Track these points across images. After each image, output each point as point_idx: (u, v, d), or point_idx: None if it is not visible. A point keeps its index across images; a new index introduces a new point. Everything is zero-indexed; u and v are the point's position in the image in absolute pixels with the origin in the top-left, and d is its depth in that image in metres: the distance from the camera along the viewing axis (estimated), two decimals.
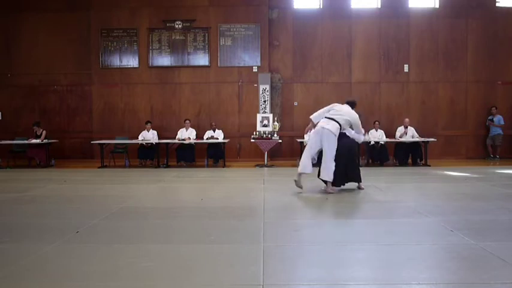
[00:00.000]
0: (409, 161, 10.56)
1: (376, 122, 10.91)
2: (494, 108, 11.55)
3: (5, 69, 11.96)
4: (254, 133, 10.63)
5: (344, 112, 6.34)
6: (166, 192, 7.16)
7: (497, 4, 11.86)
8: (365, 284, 2.93)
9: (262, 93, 11.37)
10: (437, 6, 11.84)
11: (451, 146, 11.87)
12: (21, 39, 11.94)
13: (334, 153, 6.20)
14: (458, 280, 2.95)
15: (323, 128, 6.20)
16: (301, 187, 6.31)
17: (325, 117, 6.32)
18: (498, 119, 11.46)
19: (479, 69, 11.84)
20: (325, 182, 6.33)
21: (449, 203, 5.58)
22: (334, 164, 6.18)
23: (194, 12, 11.69)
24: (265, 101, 11.35)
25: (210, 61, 11.69)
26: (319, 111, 6.46)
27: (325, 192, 6.25)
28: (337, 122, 6.24)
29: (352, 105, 6.55)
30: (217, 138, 10.62)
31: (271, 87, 11.58)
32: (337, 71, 11.86)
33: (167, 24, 11.69)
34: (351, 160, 6.44)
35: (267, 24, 11.65)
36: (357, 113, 6.54)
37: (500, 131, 11.38)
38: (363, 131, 6.82)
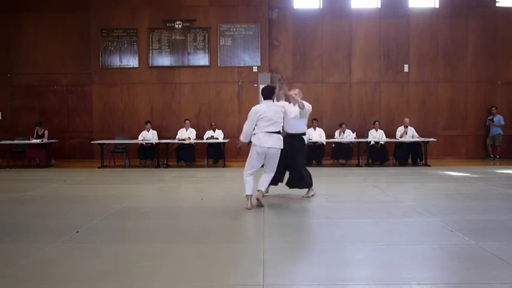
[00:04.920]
0: (409, 161, 10.56)
1: (376, 122, 10.90)
2: (494, 108, 11.55)
3: (5, 69, 11.96)
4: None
5: (275, 117, 5.38)
6: (166, 192, 7.15)
7: (497, 4, 11.86)
8: (365, 284, 2.93)
9: None
10: (437, 6, 11.84)
11: (451, 146, 11.87)
12: (21, 39, 11.95)
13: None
14: (458, 280, 2.95)
15: (271, 147, 5.35)
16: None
17: (264, 132, 5.36)
18: (498, 119, 11.46)
19: (479, 69, 11.84)
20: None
21: (449, 203, 5.58)
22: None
23: (194, 12, 11.68)
24: None
25: (210, 61, 11.68)
26: (246, 128, 5.45)
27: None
28: (279, 132, 5.49)
29: (271, 95, 5.49)
30: (217, 138, 10.61)
31: None
32: (337, 71, 11.86)
33: (167, 24, 11.69)
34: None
35: (267, 24, 11.65)
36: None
37: (500, 131, 11.38)
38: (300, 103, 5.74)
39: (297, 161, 5.94)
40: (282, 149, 5.45)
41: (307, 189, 6.08)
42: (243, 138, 5.50)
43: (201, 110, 11.79)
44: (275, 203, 5.78)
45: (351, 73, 11.87)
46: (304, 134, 6.09)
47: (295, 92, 5.90)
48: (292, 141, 5.85)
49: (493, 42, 11.82)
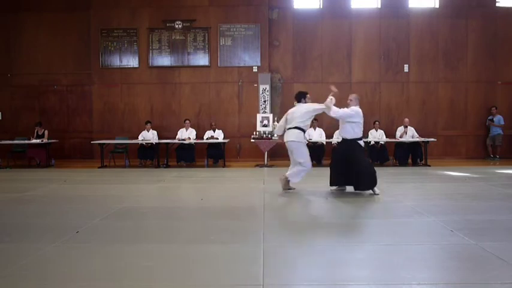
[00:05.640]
0: (409, 161, 10.56)
1: (376, 122, 10.91)
2: (494, 108, 11.55)
3: (5, 69, 11.97)
4: (254, 133, 10.63)
5: (297, 115, 6.29)
6: (166, 192, 7.15)
7: (497, 4, 11.86)
8: (365, 284, 2.93)
9: (262, 93, 11.37)
10: (437, 6, 11.84)
11: (451, 146, 11.87)
12: (21, 39, 11.95)
13: (307, 157, 6.30)
14: (458, 280, 2.95)
15: (287, 141, 6.33)
16: (289, 188, 6.45)
17: (287, 129, 6.39)
18: (498, 119, 11.46)
19: (479, 69, 11.84)
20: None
21: (449, 203, 5.58)
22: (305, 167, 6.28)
23: (194, 12, 11.68)
24: (265, 101, 11.35)
25: (210, 61, 11.68)
26: (277, 124, 6.79)
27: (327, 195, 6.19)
28: (297, 127, 6.26)
29: (300, 98, 6.44)
30: (217, 138, 10.61)
31: (271, 87, 11.57)
32: (337, 71, 11.86)
33: (167, 24, 11.69)
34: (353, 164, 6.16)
35: (267, 24, 11.65)
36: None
37: (500, 131, 11.38)
38: (331, 108, 6.11)
39: (359, 162, 6.11)
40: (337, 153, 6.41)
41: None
42: (275, 131, 6.81)
43: (201, 110, 11.79)
44: (275, 202, 5.78)
45: (351, 73, 11.87)
46: (360, 138, 6.22)
47: (350, 98, 6.34)
48: (348, 146, 6.23)
49: (493, 42, 11.82)
